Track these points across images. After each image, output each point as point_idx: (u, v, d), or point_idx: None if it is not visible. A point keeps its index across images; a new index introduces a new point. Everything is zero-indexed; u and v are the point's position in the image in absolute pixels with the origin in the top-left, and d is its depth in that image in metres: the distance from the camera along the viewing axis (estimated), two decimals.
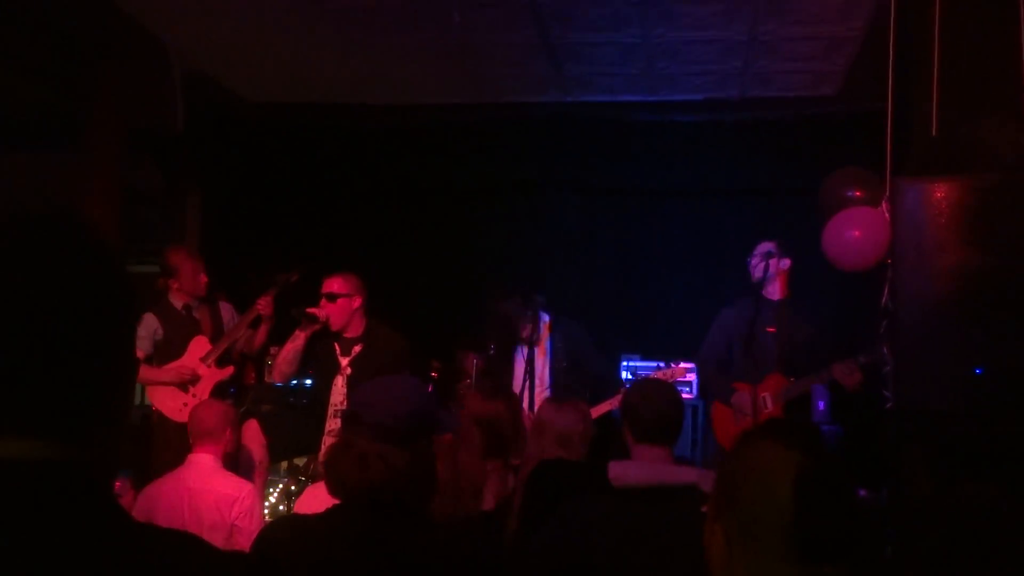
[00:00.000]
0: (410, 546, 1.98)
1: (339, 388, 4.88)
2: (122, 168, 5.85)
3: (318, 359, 4.99)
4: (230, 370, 5.31)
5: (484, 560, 2.05)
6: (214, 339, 5.28)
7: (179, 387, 5.14)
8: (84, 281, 0.95)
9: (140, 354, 5.07)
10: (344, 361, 4.92)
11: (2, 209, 0.96)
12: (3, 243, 0.94)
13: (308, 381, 5.76)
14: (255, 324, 5.36)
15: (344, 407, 4.76)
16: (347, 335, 4.94)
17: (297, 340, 4.87)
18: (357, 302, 4.92)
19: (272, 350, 6.16)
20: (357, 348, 4.92)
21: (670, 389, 2.97)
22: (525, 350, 5.11)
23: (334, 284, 4.90)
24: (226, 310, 5.48)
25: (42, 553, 0.87)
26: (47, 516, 0.89)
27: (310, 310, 4.86)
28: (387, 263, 7.04)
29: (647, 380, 3.41)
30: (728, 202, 7.16)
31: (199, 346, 5.23)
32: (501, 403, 3.42)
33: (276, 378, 5.05)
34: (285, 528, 2.16)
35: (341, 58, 6.15)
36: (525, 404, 4.90)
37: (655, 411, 2.82)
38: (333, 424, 4.79)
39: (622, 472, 2.75)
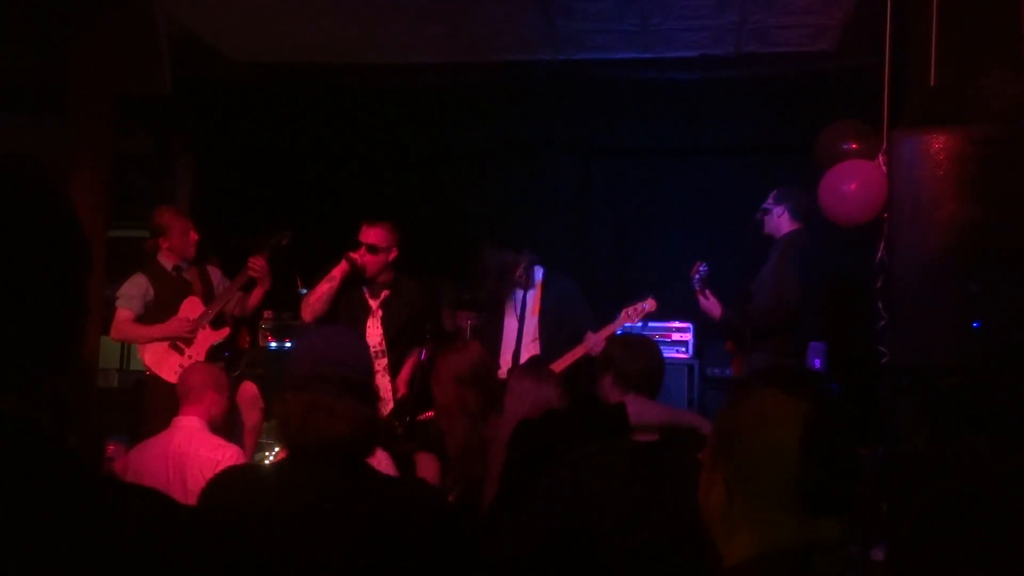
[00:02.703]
0: (368, 497, 1.97)
1: (373, 331, 4.95)
2: (111, 131, 5.76)
3: (346, 305, 5.02)
4: (226, 331, 5.27)
5: (442, 510, 2.04)
6: (205, 301, 5.22)
7: (175, 349, 5.09)
8: (27, 221, 0.91)
9: (132, 315, 5.04)
10: (374, 303, 5.01)
11: None
12: None
13: None
14: (247, 287, 5.32)
15: (382, 347, 4.90)
16: (378, 281, 5.01)
17: (334, 280, 4.91)
18: (393, 254, 5.01)
19: (266, 314, 6.15)
20: (385, 293, 5.02)
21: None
22: (517, 307, 5.11)
23: (375, 235, 4.94)
24: (215, 274, 5.41)
25: None
26: None
27: (352, 254, 4.90)
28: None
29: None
30: (725, 159, 7.10)
31: (192, 307, 5.17)
32: (474, 348, 3.43)
33: (306, 317, 5.05)
34: (236, 477, 2.15)
35: (330, 16, 6.05)
36: (510, 361, 4.99)
37: (642, 365, 3.00)
38: (379, 364, 4.82)
39: (641, 409, 2.86)
